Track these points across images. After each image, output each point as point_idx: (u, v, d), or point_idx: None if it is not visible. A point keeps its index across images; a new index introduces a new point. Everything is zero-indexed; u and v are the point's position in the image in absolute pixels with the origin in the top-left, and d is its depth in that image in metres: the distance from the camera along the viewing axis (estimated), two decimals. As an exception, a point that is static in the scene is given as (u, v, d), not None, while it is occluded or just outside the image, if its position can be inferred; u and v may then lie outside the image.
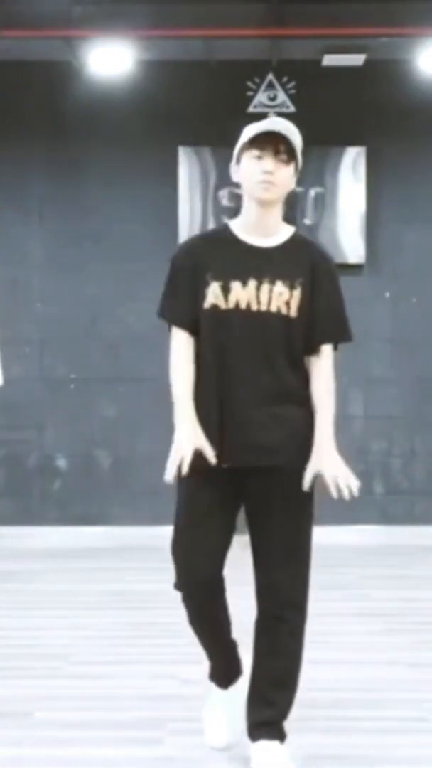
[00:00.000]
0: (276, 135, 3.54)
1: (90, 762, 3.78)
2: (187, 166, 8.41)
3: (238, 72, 8.40)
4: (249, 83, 8.49)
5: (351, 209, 8.40)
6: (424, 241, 8.44)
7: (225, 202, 8.38)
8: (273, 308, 3.56)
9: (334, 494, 3.50)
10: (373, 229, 8.44)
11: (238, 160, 3.65)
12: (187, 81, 8.40)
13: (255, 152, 3.57)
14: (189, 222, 8.39)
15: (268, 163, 3.55)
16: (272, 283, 3.56)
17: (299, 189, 8.38)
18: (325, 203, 8.42)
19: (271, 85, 8.48)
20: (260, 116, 8.37)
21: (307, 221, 8.39)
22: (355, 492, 3.49)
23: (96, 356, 8.45)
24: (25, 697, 4.45)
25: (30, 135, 8.51)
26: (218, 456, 3.55)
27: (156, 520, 8.19)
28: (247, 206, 3.67)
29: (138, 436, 8.02)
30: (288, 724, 3.75)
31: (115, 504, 8.23)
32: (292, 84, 8.46)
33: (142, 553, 7.42)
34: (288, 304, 3.56)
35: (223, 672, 3.85)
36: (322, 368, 3.62)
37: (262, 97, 8.49)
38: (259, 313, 3.56)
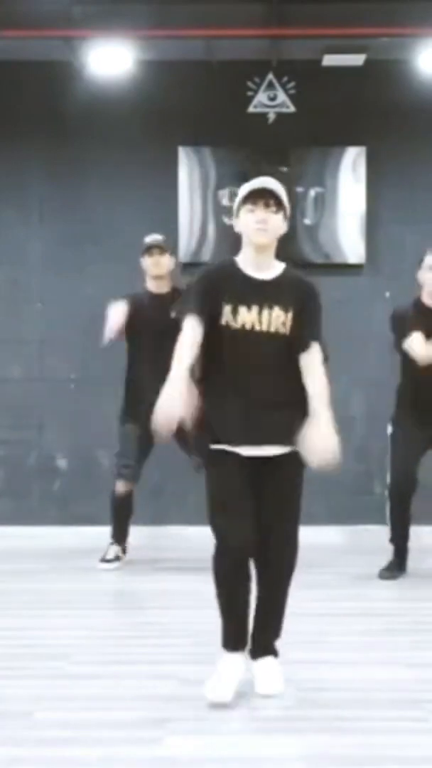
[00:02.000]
0: (265, 191, 4.39)
1: (90, 762, 3.78)
2: (187, 166, 8.41)
3: (238, 72, 8.40)
4: (249, 83, 8.49)
5: (351, 209, 8.40)
6: (424, 241, 8.41)
7: (225, 201, 8.37)
8: (273, 329, 4.39)
9: (313, 462, 4.30)
10: (373, 229, 8.45)
11: (237, 214, 4.46)
12: (187, 81, 8.40)
13: (249, 206, 4.41)
14: (189, 222, 8.40)
15: (260, 213, 4.38)
16: (271, 308, 4.39)
17: (299, 189, 8.40)
18: (325, 203, 8.42)
19: (271, 85, 8.49)
20: (260, 116, 8.47)
21: (307, 221, 8.39)
22: (333, 462, 4.27)
23: (96, 356, 8.44)
24: (25, 697, 4.45)
25: (30, 135, 8.52)
26: (236, 444, 4.37)
27: (156, 520, 8.20)
28: (246, 249, 4.49)
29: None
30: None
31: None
32: (292, 84, 8.47)
33: (142, 553, 7.42)
34: (284, 324, 4.40)
35: (234, 635, 4.45)
36: (314, 364, 4.45)
37: (262, 97, 8.49)
38: (261, 332, 4.38)
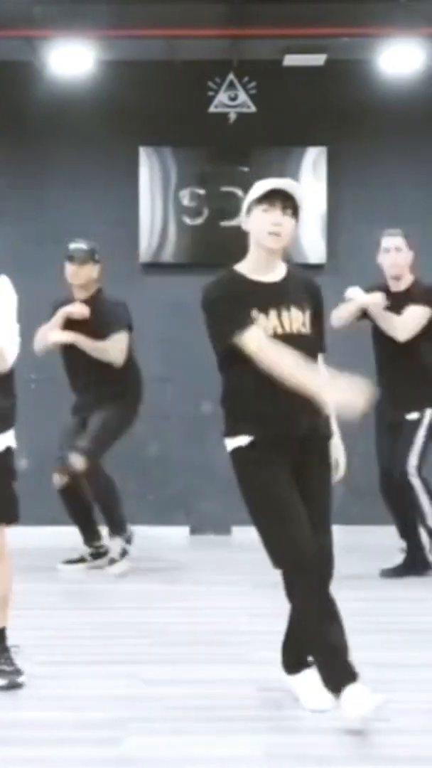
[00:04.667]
0: (282, 192, 4.16)
1: (50, 762, 3.77)
2: (148, 166, 8.40)
3: (199, 72, 8.40)
4: (210, 83, 8.50)
5: (312, 209, 8.41)
6: (384, 240, 8.45)
7: (185, 202, 8.38)
8: (294, 330, 4.16)
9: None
10: (333, 229, 8.47)
11: (248, 212, 4.21)
12: (148, 81, 8.39)
13: (264, 206, 4.16)
14: (150, 221, 8.39)
15: (277, 216, 4.16)
16: (288, 309, 4.16)
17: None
18: (286, 203, 8.43)
19: (231, 85, 8.49)
20: (221, 116, 8.47)
21: (269, 221, 8.40)
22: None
23: (56, 356, 8.40)
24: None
25: (-10, 135, 8.49)
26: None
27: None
28: (255, 250, 4.26)
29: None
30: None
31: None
32: (253, 84, 8.48)
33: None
34: (304, 324, 4.21)
35: (342, 672, 4.16)
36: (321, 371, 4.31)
37: (222, 97, 8.50)
38: (284, 335, 4.13)
